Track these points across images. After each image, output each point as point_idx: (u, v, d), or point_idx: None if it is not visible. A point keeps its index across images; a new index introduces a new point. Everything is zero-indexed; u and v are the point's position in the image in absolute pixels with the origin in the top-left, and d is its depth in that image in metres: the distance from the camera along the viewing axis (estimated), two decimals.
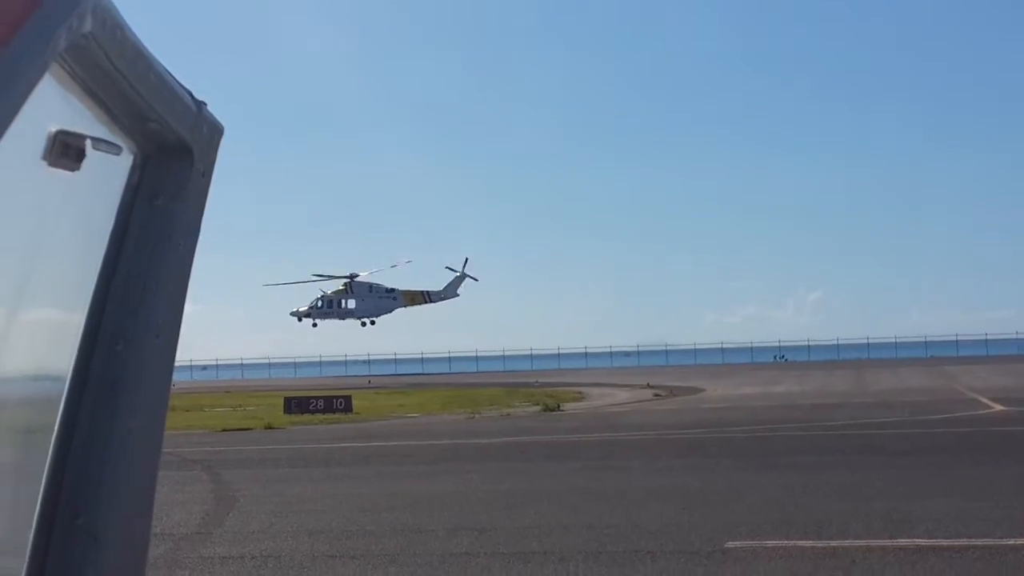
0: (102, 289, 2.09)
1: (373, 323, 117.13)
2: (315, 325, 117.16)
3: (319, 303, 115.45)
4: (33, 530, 2.00)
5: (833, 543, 14.72)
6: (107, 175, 2.02)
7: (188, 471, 25.89)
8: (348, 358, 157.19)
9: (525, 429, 37.56)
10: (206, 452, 31.20)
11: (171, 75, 2.02)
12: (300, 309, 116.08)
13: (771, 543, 14.83)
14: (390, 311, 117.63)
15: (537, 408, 49.74)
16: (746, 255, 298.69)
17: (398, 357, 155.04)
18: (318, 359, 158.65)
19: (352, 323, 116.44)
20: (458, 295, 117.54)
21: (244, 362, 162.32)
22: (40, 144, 1.74)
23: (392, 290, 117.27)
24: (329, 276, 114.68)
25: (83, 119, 1.85)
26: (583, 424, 39.69)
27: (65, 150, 1.77)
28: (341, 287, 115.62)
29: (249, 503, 20.43)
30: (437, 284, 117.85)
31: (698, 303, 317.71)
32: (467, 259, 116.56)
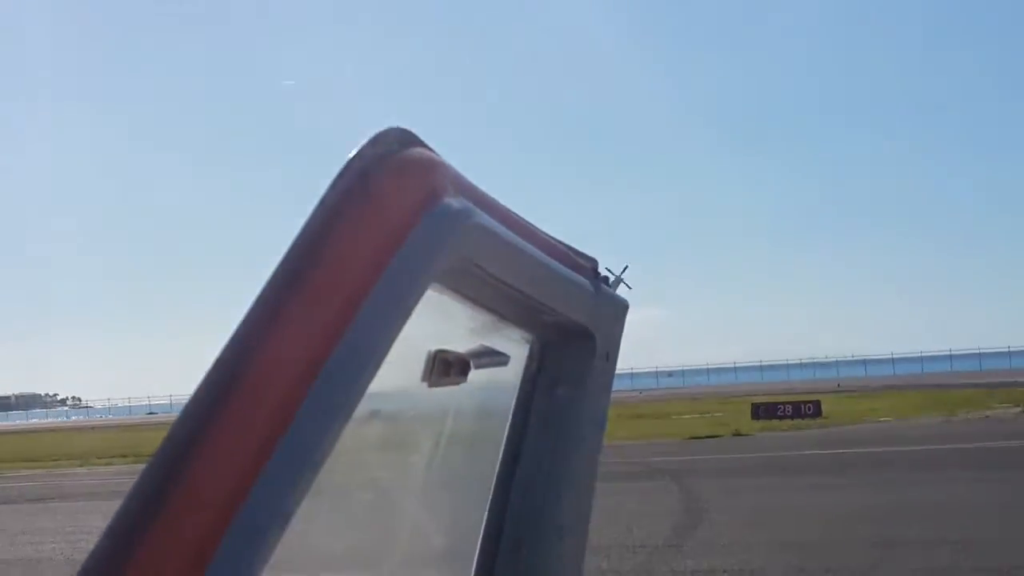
0: (503, 488, 1.97)
1: None
2: None
3: None
4: None
5: None
6: (506, 369, 1.90)
7: (657, 481, 26.07)
8: (814, 360, 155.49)
9: (1010, 433, 35.45)
10: (674, 461, 31.35)
11: (567, 254, 1.89)
12: None
13: None
14: None
15: (1019, 409, 46.93)
16: None
17: (867, 358, 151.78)
18: (784, 362, 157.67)
19: None
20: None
21: (709, 367, 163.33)
22: (418, 368, 1.66)
23: None
24: None
25: (467, 332, 1.78)
26: None
27: (446, 368, 1.69)
28: None
29: (719, 514, 20.27)
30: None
31: None
32: (626, 266, 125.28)
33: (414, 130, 1.52)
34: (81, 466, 48.28)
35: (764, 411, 49.46)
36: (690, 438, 41.01)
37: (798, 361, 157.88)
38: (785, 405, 50.50)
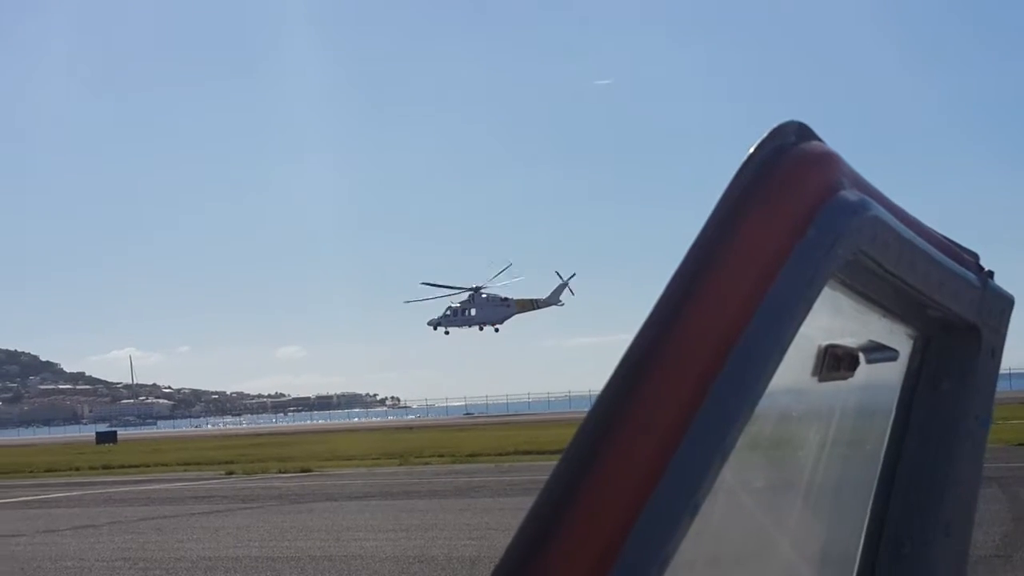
0: (885, 485, 1.96)
1: (497, 330, 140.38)
2: (447, 333, 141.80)
3: (448, 312, 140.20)
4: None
5: None
6: (887, 364, 1.90)
7: (983, 488, 24.88)
8: None
9: None
10: (1001, 468, 29.94)
11: (951, 247, 1.89)
12: (434, 318, 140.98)
13: None
14: (507, 318, 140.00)
15: None
16: None
17: None
18: None
19: None
20: (561, 303, 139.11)
21: (1011, 372, 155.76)
22: (809, 361, 1.70)
23: (506, 299, 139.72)
24: (447, 287, 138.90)
25: (854, 326, 1.80)
26: None
27: (836, 363, 1.73)
28: (466, 299, 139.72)
29: None
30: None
31: None
32: (574, 274, 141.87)
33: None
34: (400, 465, 49.86)
35: None
36: (1019, 444, 39.15)
37: None
38: None
